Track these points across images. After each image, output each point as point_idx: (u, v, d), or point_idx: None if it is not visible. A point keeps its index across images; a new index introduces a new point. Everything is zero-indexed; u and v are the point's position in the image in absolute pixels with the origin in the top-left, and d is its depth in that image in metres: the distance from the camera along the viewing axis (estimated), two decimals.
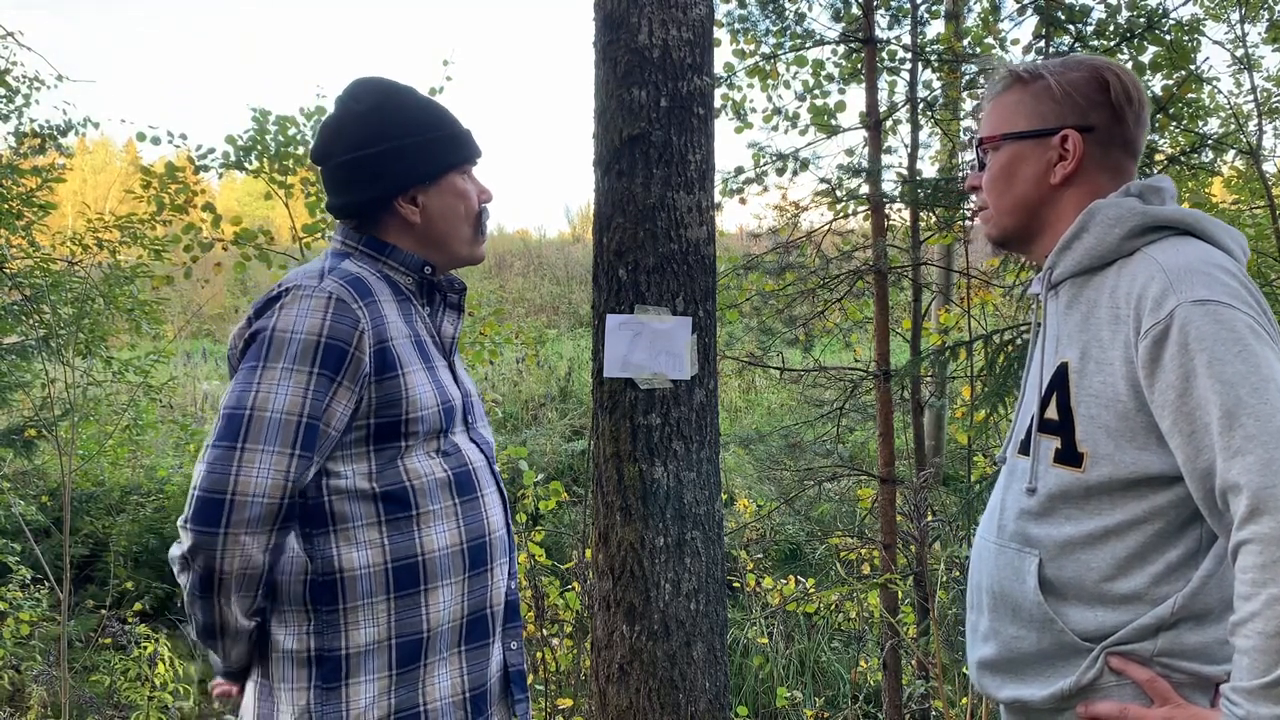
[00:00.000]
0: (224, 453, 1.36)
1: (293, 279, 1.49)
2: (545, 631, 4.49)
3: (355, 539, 1.46)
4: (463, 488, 1.56)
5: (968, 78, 5.54)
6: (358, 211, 1.61)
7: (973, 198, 1.53)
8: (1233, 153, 6.50)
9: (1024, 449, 1.41)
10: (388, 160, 1.58)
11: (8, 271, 6.30)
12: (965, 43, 5.93)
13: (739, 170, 6.06)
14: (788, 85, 6.23)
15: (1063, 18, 4.79)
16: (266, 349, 1.41)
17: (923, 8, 5.81)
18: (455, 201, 1.63)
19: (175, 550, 1.42)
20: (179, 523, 1.40)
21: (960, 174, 5.68)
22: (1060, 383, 1.33)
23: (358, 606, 1.45)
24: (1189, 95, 5.23)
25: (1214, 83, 5.74)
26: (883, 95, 5.82)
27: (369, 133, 1.58)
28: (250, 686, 1.54)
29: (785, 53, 6.03)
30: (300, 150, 5.75)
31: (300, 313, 1.42)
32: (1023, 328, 4.43)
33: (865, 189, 5.68)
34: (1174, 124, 5.39)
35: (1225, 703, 1.14)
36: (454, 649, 1.54)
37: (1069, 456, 1.31)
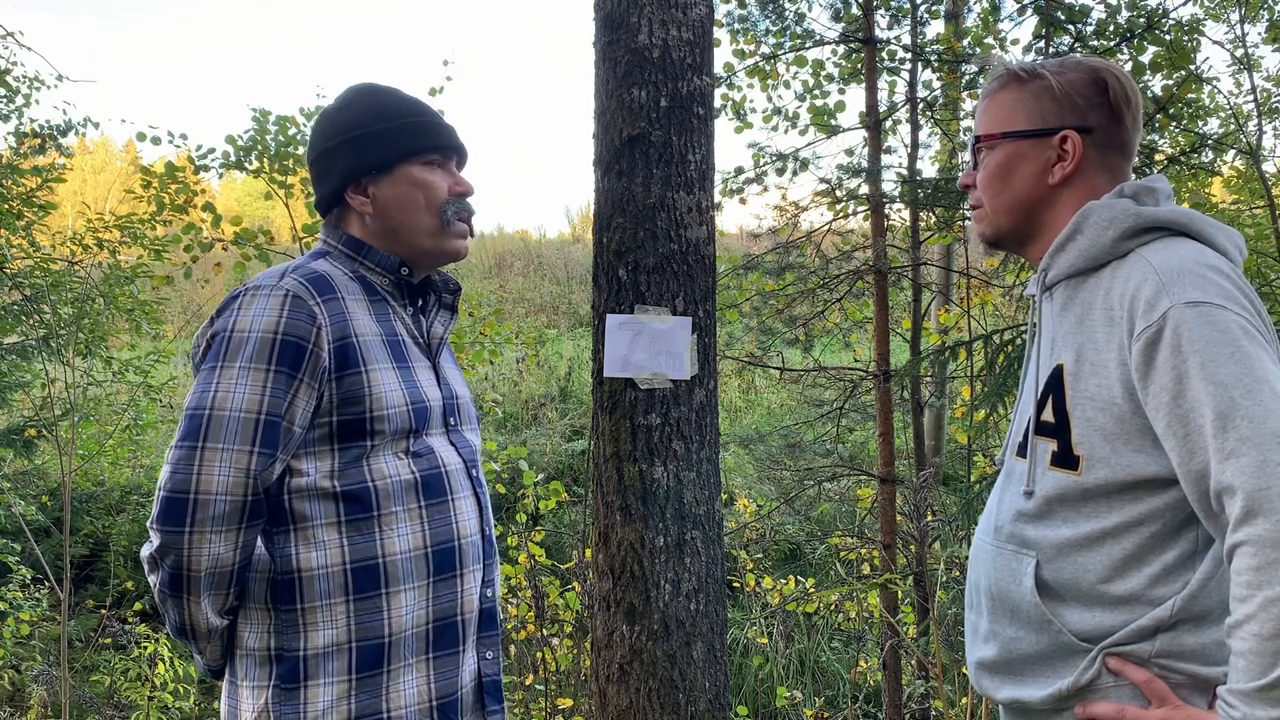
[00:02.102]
0: (186, 453, 1.38)
1: (255, 279, 1.50)
2: (545, 631, 4.49)
3: (314, 538, 1.45)
4: (431, 491, 1.52)
5: (968, 78, 5.54)
6: (322, 208, 1.65)
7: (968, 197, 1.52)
8: (1233, 153, 6.50)
9: (1021, 452, 1.40)
10: (340, 152, 1.59)
11: (8, 271, 6.30)
12: (965, 43, 5.93)
13: (739, 170, 6.06)
14: (788, 85, 6.24)
15: (1063, 18, 4.79)
16: (225, 349, 1.42)
17: (923, 8, 5.81)
18: (411, 191, 1.59)
19: (145, 550, 1.43)
20: (148, 523, 1.42)
21: (960, 174, 5.67)
22: (1056, 385, 1.32)
23: (316, 607, 1.44)
24: (1189, 95, 5.22)
25: (1214, 83, 5.74)
26: (883, 95, 5.82)
27: (330, 129, 1.61)
28: (224, 683, 1.55)
29: (785, 53, 6.03)
30: (300, 150, 5.75)
31: (257, 311, 1.43)
32: (1023, 328, 4.43)
33: (865, 189, 5.68)
34: (1174, 124, 5.39)
35: (1222, 705, 1.14)
36: (420, 656, 1.50)
37: (1065, 459, 1.30)
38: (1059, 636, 1.30)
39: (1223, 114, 7.56)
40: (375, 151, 1.58)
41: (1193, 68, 4.89)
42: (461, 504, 1.57)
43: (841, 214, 6.14)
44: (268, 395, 1.40)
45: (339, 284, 1.52)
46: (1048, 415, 1.33)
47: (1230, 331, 1.17)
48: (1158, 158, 5.00)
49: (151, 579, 1.44)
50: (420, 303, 1.68)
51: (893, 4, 5.76)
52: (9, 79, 7.28)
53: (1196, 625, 1.24)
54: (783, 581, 6.22)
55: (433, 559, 1.51)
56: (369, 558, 1.45)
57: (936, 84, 6.05)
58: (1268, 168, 7.33)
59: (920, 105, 5.82)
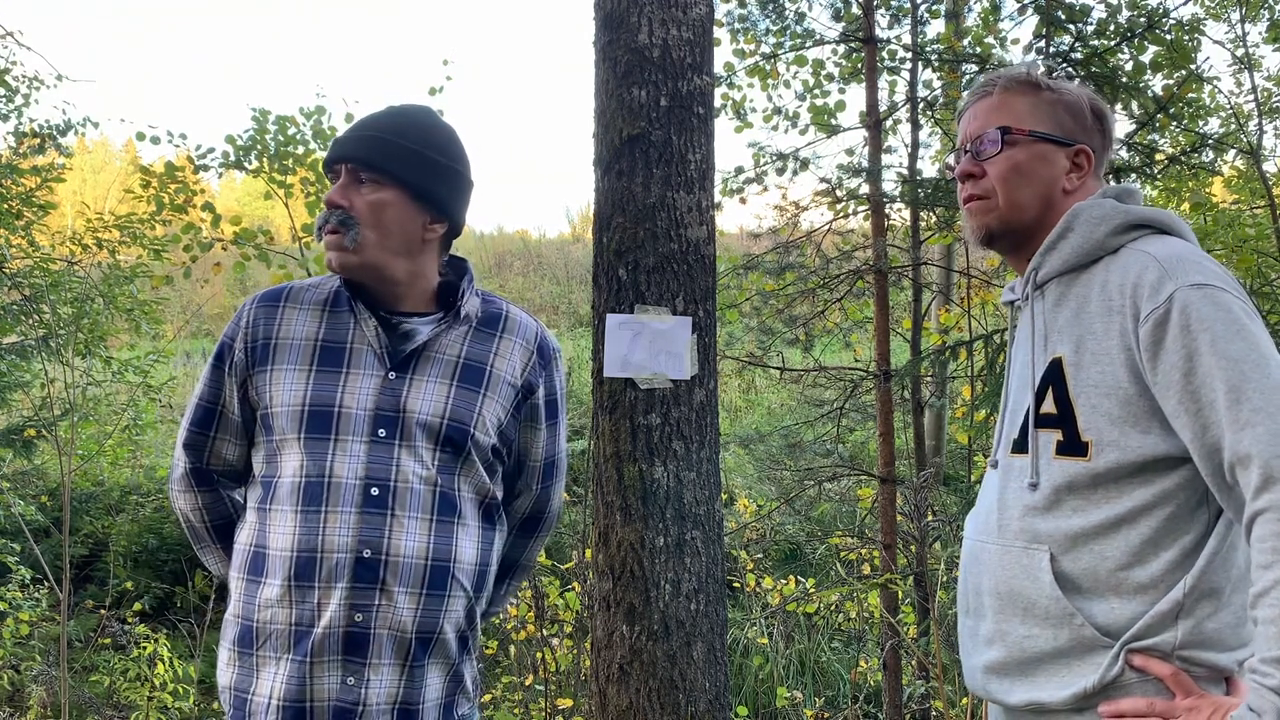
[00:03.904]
0: None
1: None
2: (545, 631, 4.49)
3: (244, 517, 1.64)
4: (308, 498, 1.53)
5: (968, 77, 5.53)
6: None
7: (963, 185, 1.51)
8: (1233, 152, 6.51)
9: (1018, 448, 1.41)
10: None
11: (8, 271, 6.30)
12: (965, 42, 5.93)
13: (739, 170, 6.06)
14: (788, 85, 6.24)
15: (1063, 17, 4.78)
16: None
17: (923, 7, 5.81)
18: None
19: None
20: None
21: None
22: (1055, 377, 1.36)
23: (232, 578, 1.62)
24: (1189, 95, 5.23)
25: (1214, 83, 5.75)
26: (883, 95, 5.82)
27: None
28: None
29: (785, 52, 6.03)
30: (300, 150, 5.75)
31: None
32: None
33: (865, 189, 5.68)
34: (1174, 124, 5.39)
35: (1253, 676, 1.14)
36: (283, 654, 1.52)
37: (1073, 447, 1.32)
38: (1080, 631, 1.29)
39: (1223, 114, 7.57)
40: None
41: (1193, 67, 4.89)
42: (336, 518, 1.52)
43: (841, 214, 6.14)
44: (205, 384, 1.66)
45: (300, 295, 1.65)
46: (1049, 407, 1.36)
47: (1234, 311, 1.23)
48: (1158, 158, 5.00)
49: None
50: (409, 315, 1.64)
51: (893, 3, 5.76)
52: (9, 79, 7.28)
53: (1212, 605, 1.25)
54: (783, 582, 6.22)
55: (295, 563, 1.52)
56: (261, 545, 1.57)
57: (937, 83, 6.05)
58: (1268, 167, 7.34)
59: (920, 105, 5.82)
